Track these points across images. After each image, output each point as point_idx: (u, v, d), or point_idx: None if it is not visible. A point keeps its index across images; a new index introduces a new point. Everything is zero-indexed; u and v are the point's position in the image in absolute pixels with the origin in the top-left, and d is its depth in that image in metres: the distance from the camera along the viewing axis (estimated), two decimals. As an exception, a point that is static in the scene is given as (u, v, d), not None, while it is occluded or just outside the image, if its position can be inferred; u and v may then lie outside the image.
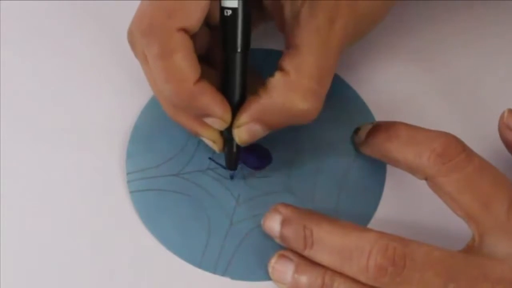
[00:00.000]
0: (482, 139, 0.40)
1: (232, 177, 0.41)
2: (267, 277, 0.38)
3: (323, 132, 0.43)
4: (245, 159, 0.42)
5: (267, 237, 0.39)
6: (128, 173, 0.41)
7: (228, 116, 0.38)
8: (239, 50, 0.38)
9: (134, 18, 0.38)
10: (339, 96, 0.44)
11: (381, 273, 0.34)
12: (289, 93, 0.37)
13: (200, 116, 0.38)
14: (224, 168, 0.41)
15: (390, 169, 0.41)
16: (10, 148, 0.42)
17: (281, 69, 0.37)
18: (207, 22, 0.39)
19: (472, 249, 0.35)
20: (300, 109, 0.37)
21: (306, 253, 0.36)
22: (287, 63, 0.37)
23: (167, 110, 0.40)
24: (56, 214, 0.40)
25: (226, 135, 0.39)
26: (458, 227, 0.37)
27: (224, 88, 0.38)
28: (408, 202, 0.41)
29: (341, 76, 0.45)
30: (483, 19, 0.47)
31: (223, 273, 0.39)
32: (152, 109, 0.43)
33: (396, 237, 0.35)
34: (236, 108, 0.38)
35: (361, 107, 0.44)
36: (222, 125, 0.38)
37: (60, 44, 0.46)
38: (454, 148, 0.36)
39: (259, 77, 0.39)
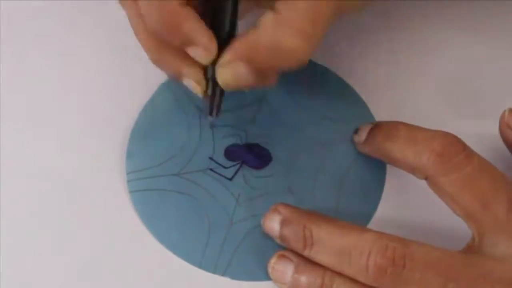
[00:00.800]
0: (482, 139, 0.40)
1: (212, 126, 0.40)
2: (266, 277, 0.38)
3: (323, 132, 0.43)
4: (245, 159, 0.42)
5: (267, 237, 0.39)
6: (128, 173, 0.41)
7: (213, 45, 0.37)
8: None
9: None
10: (339, 96, 0.44)
11: (381, 273, 0.34)
12: (278, 30, 0.36)
13: (184, 44, 0.37)
14: (224, 168, 0.41)
15: (390, 169, 0.41)
16: (10, 148, 0.42)
17: (273, 9, 0.36)
18: None
19: (472, 249, 0.35)
20: (289, 47, 0.36)
21: (306, 253, 0.36)
22: (281, 3, 0.36)
23: (151, 50, 0.39)
24: (56, 214, 0.40)
25: (211, 76, 0.38)
26: (458, 227, 0.36)
27: (212, 25, 0.37)
28: (408, 202, 0.41)
29: (341, 76, 0.45)
30: (484, 19, 0.47)
31: (223, 273, 0.39)
32: (153, 107, 0.43)
33: (395, 238, 0.35)
34: (222, 50, 0.37)
35: (361, 107, 0.44)
36: (207, 56, 0.37)
37: (60, 44, 0.46)
38: (454, 148, 0.36)
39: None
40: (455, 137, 0.36)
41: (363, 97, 0.44)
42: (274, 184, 0.41)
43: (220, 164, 0.42)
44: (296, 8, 0.36)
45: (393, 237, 0.35)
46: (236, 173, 0.42)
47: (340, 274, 0.35)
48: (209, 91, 0.39)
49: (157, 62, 0.39)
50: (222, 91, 0.38)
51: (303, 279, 0.36)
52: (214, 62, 0.37)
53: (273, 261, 0.38)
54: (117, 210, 0.40)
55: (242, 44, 0.36)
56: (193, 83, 0.38)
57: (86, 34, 0.47)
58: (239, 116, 0.42)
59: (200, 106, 0.43)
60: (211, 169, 0.42)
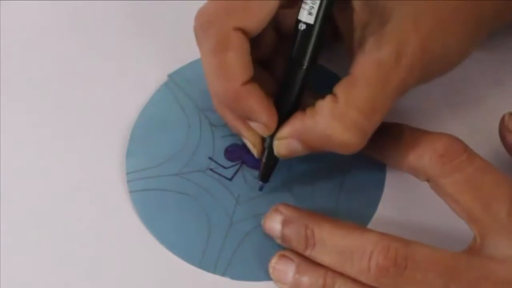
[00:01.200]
0: (483, 141, 0.40)
1: (261, 189, 0.41)
2: (267, 277, 0.38)
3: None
4: (245, 159, 0.42)
5: (267, 237, 0.39)
6: (128, 173, 0.41)
7: (272, 124, 0.37)
8: (305, 66, 0.37)
9: (197, 13, 0.37)
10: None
11: (383, 273, 0.34)
12: (332, 121, 0.36)
13: (245, 118, 0.38)
14: (224, 168, 0.41)
15: (390, 169, 0.41)
16: (10, 148, 0.42)
17: (333, 94, 0.36)
18: (277, 27, 0.39)
19: (473, 250, 0.35)
20: (340, 140, 0.36)
21: (307, 253, 0.36)
22: (340, 89, 0.36)
23: (216, 106, 0.40)
24: (56, 214, 0.40)
25: (269, 143, 0.39)
26: (458, 228, 0.37)
27: (278, 98, 0.38)
28: (408, 203, 0.41)
29: (341, 76, 0.45)
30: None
31: (223, 273, 0.39)
32: (152, 109, 0.43)
33: (397, 238, 0.35)
34: (284, 120, 0.38)
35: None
36: (264, 132, 0.38)
37: (60, 44, 0.46)
38: (455, 149, 0.36)
39: (314, 94, 0.38)
40: (456, 138, 0.36)
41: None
42: (274, 184, 0.41)
43: (220, 164, 0.42)
44: (354, 98, 0.35)
45: (395, 237, 0.35)
46: (236, 173, 0.42)
47: (341, 274, 0.36)
48: (264, 158, 0.39)
49: (221, 116, 0.40)
50: (276, 159, 0.39)
51: (305, 279, 0.36)
52: (273, 133, 0.38)
53: (274, 261, 0.38)
54: (117, 210, 0.40)
55: (298, 124, 0.37)
56: (250, 145, 0.40)
57: (87, 34, 0.47)
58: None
59: (200, 106, 0.43)
60: (211, 169, 0.42)
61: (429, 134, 0.37)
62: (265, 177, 0.40)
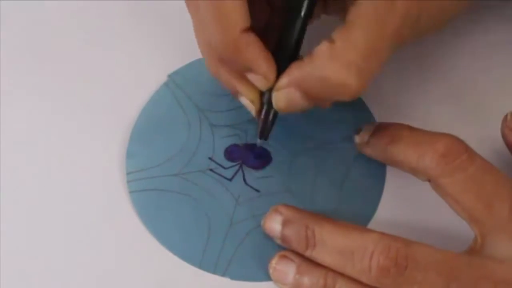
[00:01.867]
0: (484, 141, 0.40)
1: (259, 146, 0.40)
2: (267, 277, 0.38)
3: (323, 131, 0.43)
4: (245, 159, 0.42)
5: (267, 237, 0.39)
6: (127, 173, 0.41)
7: (272, 75, 0.37)
8: (302, 14, 0.37)
9: None
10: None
11: (384, 273, 0.34)
12: (331, 62, 0.35)
13: (244, 70, 0.37)
14: (224, 168, 0.41)
15: (390, 169, 0.41)
16: (10, 148, 0.42)
17: (329, 39, 0.36)
18: (269, 0, 0.38)
19: (474, 250, 0.35)
20: (339, 82, 0.35)
21: (308, 253, 0.36)
22: (337, 34, 0.35)
23: (210, 64, 0.39)
24: (56, 214, 0.40)
25: (267, 98, 0.38)
26: (458, 228, 0.37)
27: (276, 49, 0.37)
28: (408, 203, 0.41)
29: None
30: (485, 21, 0.47)
31: (223, 274, 0.39)
32: (152, 109, 0.43)
33: (398, 238, 0.35)
34: (282, 72, 0.37)
35: (361, 108, 0.44)
36: (264, 84, 0.37)
37: (60, 44, 0.46)
38: (456, 149, 0.36)
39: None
40: (457, 138, 0.36)
41: (363, 98, 0.44)
42: (274, 185, 0.41)
43: (219, 165, 0.42)
44: (351, 40, 0.35)
45: (396, 237, 0.35)
46: (236, 173, 0.42)
47: (342, 275, 0.36)
48: (263, 115, 0.39)
49: (215, 75, 0.39)
50: (275, 115, 0.39)
51: (305, 279, 0.36)
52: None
53: (274, 261, 0.38)
54: (117, 211, 0.40)
55: (297, 72, 0.36)
56: (248, 102, 0.39)
57: (87, 34, 0.47)
58: (239, 116, 0.42)
59: (200, 106, 0.43)
60: (211, 170, 0.42)
61: (430, 134, 0.37)
62: (264, 134, 0.39)
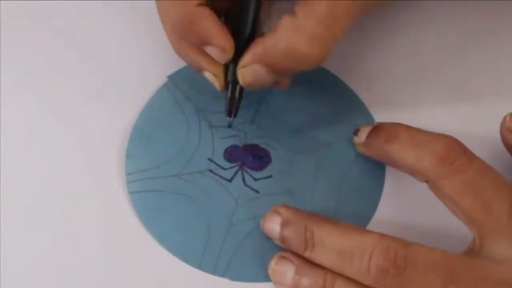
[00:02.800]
0: (483, 143, 0.40)
1: (229, 126, 0.41)
2: (266, 278, 0.38)
3: (322, 132, 0.43)
4: (245, 159, 0.42)
5: (267, 238, 0.39)
6: (127, 174, 0.41)
7: (229, 47, 0.38)
8: None
9: None
10: (338, 96, 0.44)
11: (383, 274, 0.34)
12: (293, 34, 0.36)
13: (202, 44, 0.38)
14: (224, 169, 0.41)
15: (389, 170, 0.42)
16: (10, 148, 0.42)
17: (290, 13, 0.37)
18: None
19: (472, 252, 0.36)
20: (303, 52, 0.37)
21: (307, 254, 0.36)
22: (298, 7, 0.37)
23: (173, 41, 0.40)
24: (55, 214, 0.40)
25: (232, 76, 0.39)
26: (457, 230, 0.37)
27: (234, 26, 0.38)
28: (407, 203, 0.41)
29: (340, 77, 0.45)
30: (485, 20, 0.47)
31: (223, 274, 0.39)
32: (152, 109, 0.43)
33: (397, 239, 0.35)
34: (244, 49, 0.38)
35: (360, 108, 0.44)
36: (223, 56, 0.38)
37: (61, 44, 0.46)
38: (455, 151, 0.36)
39: None
40: (456, 140, 0.36)
41: (362, 98, 0.44)
42: (274, 185, 0.41)
43: (219, 165, 0.42)
44: (312, 12, 0.36)
45: (395, 238, 0.35)
46: (235, 174, 0.42)
47: (341, 275, 0.36)
48: (229, 92, 0.40)
49: (178, 53, 0.40)
50: (241, 92, 0.40)
51: (304, 280, 0.36)
52: (235, 63, 0.38)
53: (273, 262, 0.38)
54: (116, 211, 0.40)
55: (260, 47, 0.37)
56: (212, 77, 0.39)
57: (87, 34, 0.47)
58: (238, 117, 0.42)
59: (199, 107, 0.43)
60: (210, 170, 0.42)
61: (429, 135, 0.37)
62: (230, 112, 0.40)
